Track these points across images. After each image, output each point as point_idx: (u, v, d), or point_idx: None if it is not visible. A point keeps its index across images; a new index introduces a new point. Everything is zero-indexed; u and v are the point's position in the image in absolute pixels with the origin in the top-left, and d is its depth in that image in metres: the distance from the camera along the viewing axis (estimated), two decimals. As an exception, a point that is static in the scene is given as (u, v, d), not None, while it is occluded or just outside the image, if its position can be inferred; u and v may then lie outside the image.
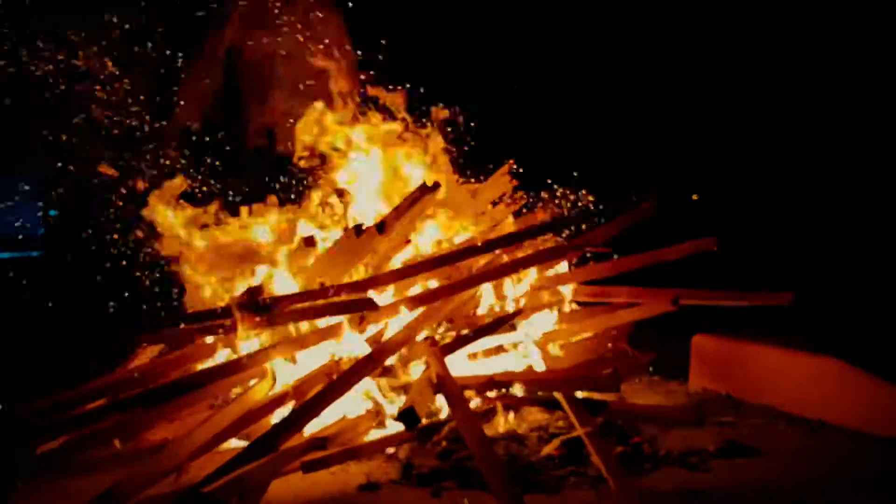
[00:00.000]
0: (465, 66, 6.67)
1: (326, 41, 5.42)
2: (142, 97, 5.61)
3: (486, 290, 4.54)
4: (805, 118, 6.23)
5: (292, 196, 5.11)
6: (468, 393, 3.72)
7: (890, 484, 3.36)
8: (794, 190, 6.15)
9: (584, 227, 4.85)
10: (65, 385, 3.74)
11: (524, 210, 5.21)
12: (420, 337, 4.00)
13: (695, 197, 5.93)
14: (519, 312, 4.34)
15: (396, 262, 4.57)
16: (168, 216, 4.55)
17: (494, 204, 5.19)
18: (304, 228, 4.59)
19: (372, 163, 4.87)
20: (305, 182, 5.10)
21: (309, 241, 4.26)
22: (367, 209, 4.83)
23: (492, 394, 3.86)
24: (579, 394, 3.85)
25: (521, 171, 5.19)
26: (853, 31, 6.09)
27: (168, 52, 5.83)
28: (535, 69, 6.87)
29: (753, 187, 6.26)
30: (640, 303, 4.48)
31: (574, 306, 4.77)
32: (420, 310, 4.06)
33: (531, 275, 4.67)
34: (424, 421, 3.55)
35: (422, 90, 5.14)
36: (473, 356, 4.25)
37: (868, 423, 3.93)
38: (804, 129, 6.23)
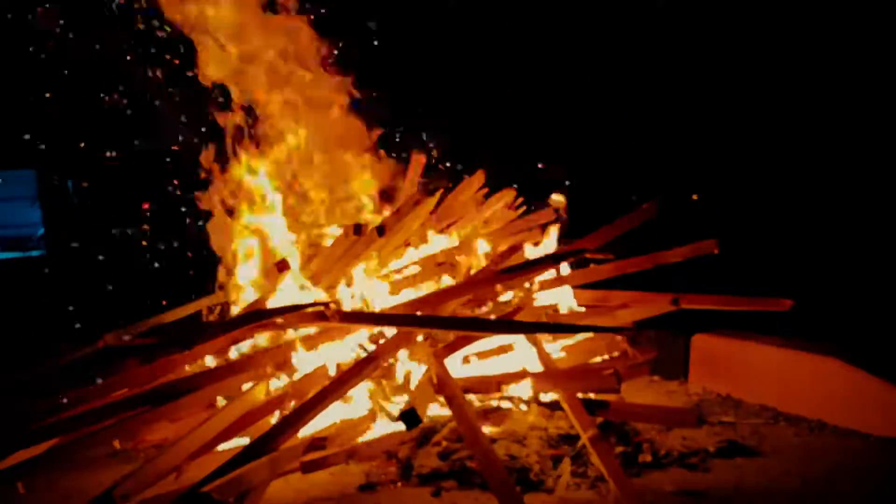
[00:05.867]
0: (459, 67, 6.68)
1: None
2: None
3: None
4: (806, 119, 6.23)
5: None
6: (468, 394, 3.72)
7: (890, 484, 3.36)
8: (794, 190, 6.15)
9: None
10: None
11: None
12: (420, 337, 3.99)
13: (695, 197, 5.92)
14: (518, 310, 4.34)
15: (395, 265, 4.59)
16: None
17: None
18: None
19: None
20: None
21: (282, 265, 4.26)
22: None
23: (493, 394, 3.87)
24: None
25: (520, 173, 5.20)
26: (853, 31, 6.09)
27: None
28: (533, 69, 6.87)
29: (754, 188, 6.25)
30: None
31: (574, 308, 4.77)
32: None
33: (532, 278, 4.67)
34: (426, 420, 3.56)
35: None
36: (473, 357, 4.25)
37: (868, 423, 3.93)
38: (805, 130, 6.23)
